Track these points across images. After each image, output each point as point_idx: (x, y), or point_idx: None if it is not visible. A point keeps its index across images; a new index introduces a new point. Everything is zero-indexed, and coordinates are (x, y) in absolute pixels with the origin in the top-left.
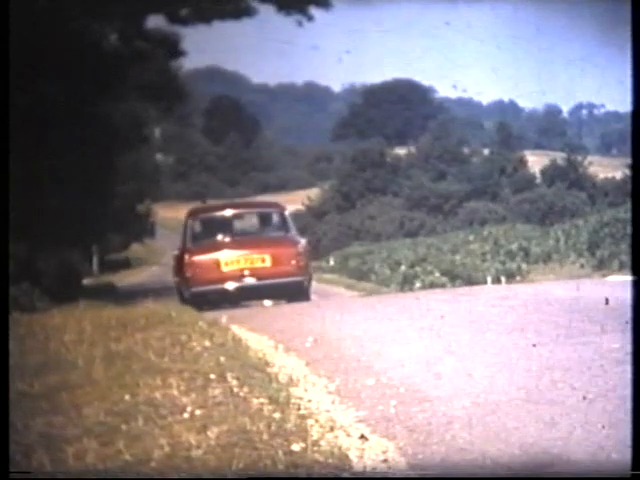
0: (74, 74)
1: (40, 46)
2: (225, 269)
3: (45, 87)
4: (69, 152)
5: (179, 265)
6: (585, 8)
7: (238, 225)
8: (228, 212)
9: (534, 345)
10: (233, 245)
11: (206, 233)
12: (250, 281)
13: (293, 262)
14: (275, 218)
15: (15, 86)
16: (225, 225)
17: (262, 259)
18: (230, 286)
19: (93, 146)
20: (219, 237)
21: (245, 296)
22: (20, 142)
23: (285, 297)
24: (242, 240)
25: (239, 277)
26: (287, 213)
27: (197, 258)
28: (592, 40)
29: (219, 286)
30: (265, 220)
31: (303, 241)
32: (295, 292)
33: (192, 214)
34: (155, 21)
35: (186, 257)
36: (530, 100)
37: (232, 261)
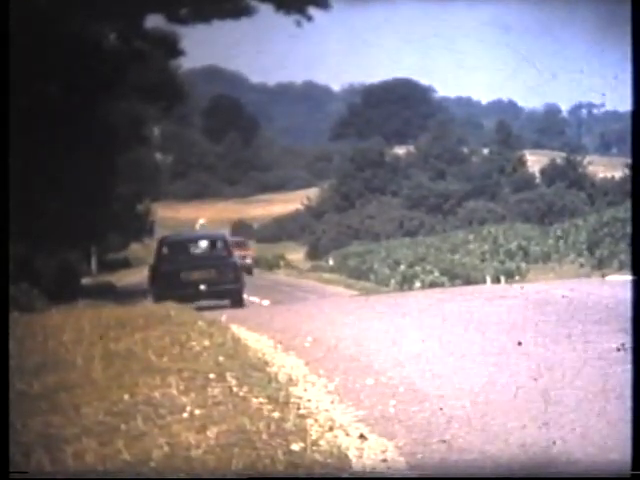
0: (73, 74)
1: (39, 46)
2: (184, 279)
3: (44, 87)
4: (68, 152)
5: (153, 276)
6: (585, 8)
7: (193, 249)
8: (187, 239)
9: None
10: (190, 262)
11: (171, 254)
12: (202, 287)
13: (231, 275)
14: (219, 244)
15: (14, 86)
16: (185, 248)
17: (209, 272)
18: (189, 292)
19: (92, 146)
20: (180, 257)
21: (199, 298)
22: (19, 142)
23: (225, 298)
24: (196, 259)
25: (194, 285)
26: (228, 240)
27: (165, 271)
28: (592, 40)
29: (180, 291)
30: (212, 245)
31: (238, 260)
32: (232, 295)
33: (162, 240)
34: (154, 21)
35: (157, 271)
36: (529, 99)
37: (189, 274)
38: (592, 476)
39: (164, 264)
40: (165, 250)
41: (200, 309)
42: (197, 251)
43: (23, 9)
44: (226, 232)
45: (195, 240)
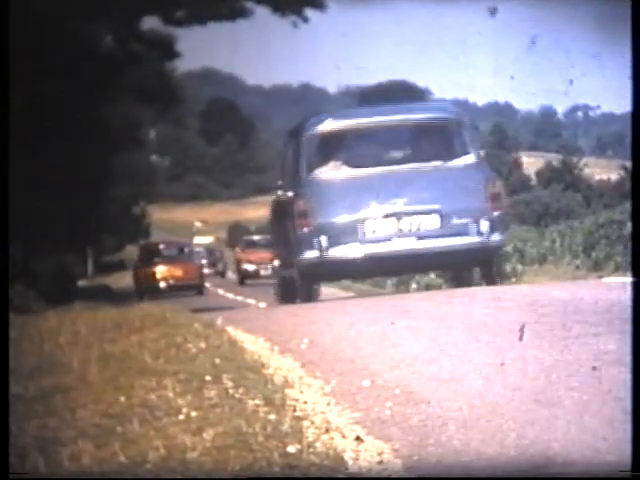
0: (69, 76)
1: (35, 47)
2: (159, 277)
3: (40, 89)
4: (64, 154)
5: (135, 275)
6: (584, 9)
7: (166, 252)
8: (161, 246)
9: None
10: (163, 264)
11: (148, 257)
12: (171, 282)
13: (194, 273)
14: (186, 249)
15: (11, 88)
16: (159, 252)
17: (177, 271)
18: (162, 285)
19: (88, 148)
20: (155, 259)
21: (170, 291)
22: (15, 144)
23: (190, 291)
24: (167, 261)
25: (166, 281)
26: (192, 246)
27: (144, 271)
28: (590, 41)
29: (156, 285)
30: (180, 250)
31: (198, 261)
32: (195, 288)
33: (142, 246)
34: (150, 22)
35: (138, 271)
36: (526, 101)
37: (162, 272)
38: (591, 477)
39: (143, 264)
40: (144, 253)
41: (196, 310)
42: (168, 254)
43: (19, 10)
44: (211, 238)
45: (167, 246)
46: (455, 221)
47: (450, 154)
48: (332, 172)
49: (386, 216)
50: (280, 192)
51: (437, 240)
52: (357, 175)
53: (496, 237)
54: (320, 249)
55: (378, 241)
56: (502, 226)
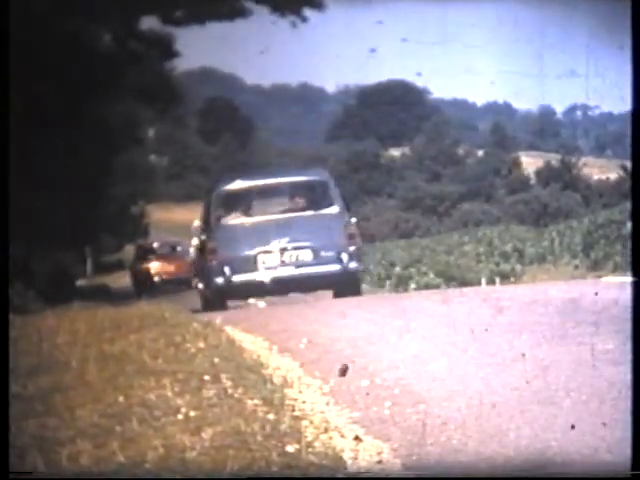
0: (68, 75)
1: (34, 47)
2: (153, 272)
3: (39, 88)
4: (63, 153)
5: (132, 272)
6: (583, 8)
7: (159, 250)
8: (155, 245)
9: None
10: (158, 261)
11: (144, 255)
12: (165, 278)
13: (185, 268)
14: (178, 248)
15: (11, 88)
16: (153, 250)
17: (170, 267)
18: (156, 280)
19: (87, 147)
20: (149, 257)
21: (164, 286)
22: (14, 143)
23: (182, 286)
24: (162, 258)
25: (160, 276)
26: (185, 244)
27: (140, 268)
28: (588, 41)
29: (151, 280)
30: (173, 248)
31: (189, 258)
32: (186, 283)
33: (137, 246)
34: (149, 22)
35: (134, 268)
36: (525, 101)
37: (156, 268)
38: (590, 477)
39: (139, 262)
40: (140, 252)
41: (195, 310)
42: (162, 252)
43: (18, 10)
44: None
45: (160, 245)
46: (323, 254)
47: (320, 205)
48: (234, 220)
49: (273, 251)
50: (199, 234)
51: (311, 268)
52: (252, 222)
53: (353, 265)
54: (225, 276)
55: (268, 269)
56: (358, 257)
